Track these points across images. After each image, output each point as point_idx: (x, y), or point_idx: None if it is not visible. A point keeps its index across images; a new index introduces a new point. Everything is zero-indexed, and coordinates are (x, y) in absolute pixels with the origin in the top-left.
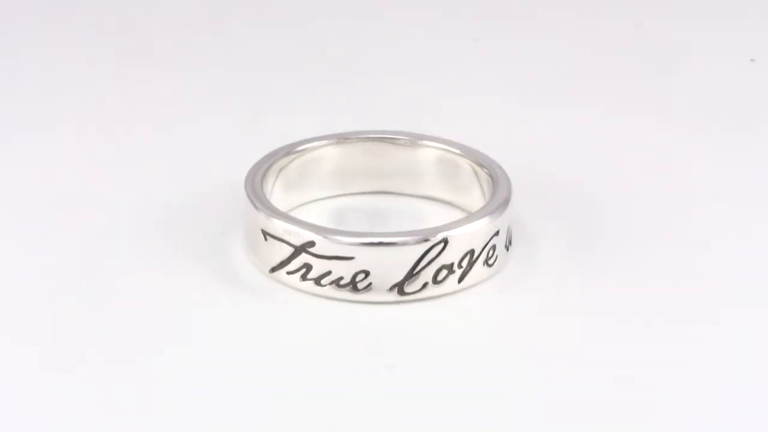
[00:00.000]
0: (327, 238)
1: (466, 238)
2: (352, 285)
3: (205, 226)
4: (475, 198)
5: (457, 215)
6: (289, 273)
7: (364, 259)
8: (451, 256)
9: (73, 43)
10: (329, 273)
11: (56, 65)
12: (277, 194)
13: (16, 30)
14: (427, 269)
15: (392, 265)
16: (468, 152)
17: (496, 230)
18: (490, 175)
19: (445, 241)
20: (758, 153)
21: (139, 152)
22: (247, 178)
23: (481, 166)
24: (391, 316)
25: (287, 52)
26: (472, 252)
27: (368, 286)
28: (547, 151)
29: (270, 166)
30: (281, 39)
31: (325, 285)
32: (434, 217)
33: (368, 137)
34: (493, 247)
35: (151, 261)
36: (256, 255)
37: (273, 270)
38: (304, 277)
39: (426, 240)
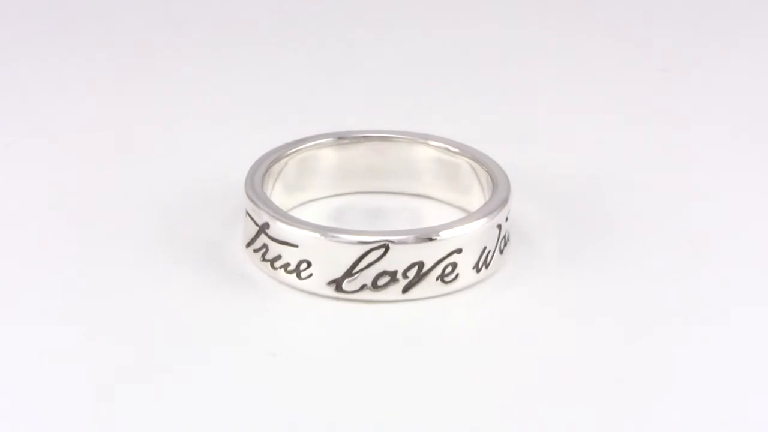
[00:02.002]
0: (278, 221)
1: (410, 249)
2: (297, 272)
3: (205, 226)
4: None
5: (457, 215)
6: (255, 251)
7: (307, 248)
8: (393, 263)
9: (75, 42)
10: (280, 257)
11: (57, 64)
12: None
13: (16, 29)
14: (366, 271)
15: (332, 260)
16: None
17: (457, 248)
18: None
19: (386, 247)
20: (760, 153)
21: (140, 152)
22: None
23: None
24: (325, 310)
25: (286, 51)
26: (420, 264)
27: (309, 276)
28: (546, 151)
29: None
30: (280, 38)
31: (277, 268)
32: (432, 217)
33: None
34: (453, 265)
35: (149, 260)
36: (243, 231)
37: (247, 245)
38: (263, 257)
39: (365, 242)
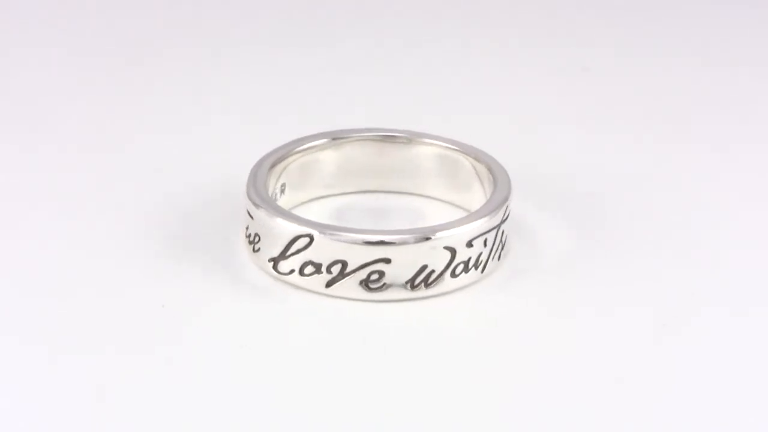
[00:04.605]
0: (246, 194)
1: (333, 246)
2: (253, 244)
3: (205, 227)
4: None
5: (459, 214)
6: (244, 220)
7: (257, 223)
8: (318, 256)
9: (76, 44)
10: (248, 227)
11: (58, 65)
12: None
13: (19, 28)
14: (294, 257)
15: (272, 238)
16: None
17: (384, 257)
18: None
19: (311, 237)
20: (760, 153)
21: (141, 152)
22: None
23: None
24: (261, 285)
25: (288, 51)
26: (343, 264)
27: (258, 250)
28: (547, 150)
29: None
30: (281, 38)
31: (246, 237)
32: (433, 216)
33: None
34: (380, 273)
35: (150, 260)
36: None
37: None
38: (246, 227)
39: (292, 228)
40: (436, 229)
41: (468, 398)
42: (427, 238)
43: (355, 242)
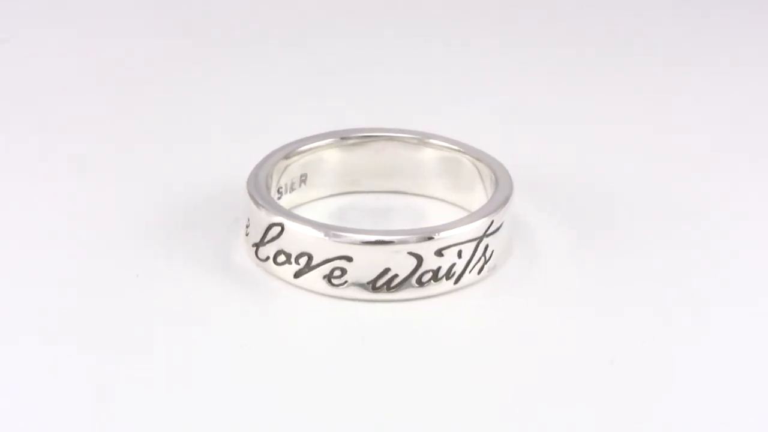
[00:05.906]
0: (246, 183)
1: (300, 238)
2: (246, 229)
3: (207, 226)
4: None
5: (460, 215)
6: None
7: (247, 209)
8: (288, 246)
9: (76, 44)
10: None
11: (57, 66)
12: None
13: (20, 29)
14: (270, 245)
15: (255, 225)
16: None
17: (346, 255)
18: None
19: (282, 227)
20: (760, 153)
21: (143, 152)
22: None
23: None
24: (244, 268)
25: (291, 51)
26: (309, 256)
27: (248, 234)
28: (549, 150)
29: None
30: (285, 38)
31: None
32: (435, 216)
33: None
34: (342, 270)
35: (150, 260)
36: None
37: None
38: None
39: (267, 216)
40: (398, 234)
41: (464, 399)
42: (385, 242)
43: (317, 236)
